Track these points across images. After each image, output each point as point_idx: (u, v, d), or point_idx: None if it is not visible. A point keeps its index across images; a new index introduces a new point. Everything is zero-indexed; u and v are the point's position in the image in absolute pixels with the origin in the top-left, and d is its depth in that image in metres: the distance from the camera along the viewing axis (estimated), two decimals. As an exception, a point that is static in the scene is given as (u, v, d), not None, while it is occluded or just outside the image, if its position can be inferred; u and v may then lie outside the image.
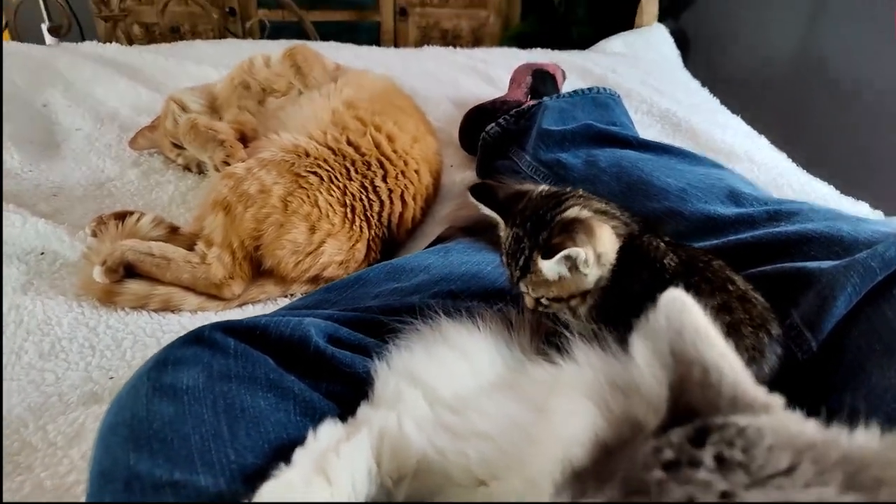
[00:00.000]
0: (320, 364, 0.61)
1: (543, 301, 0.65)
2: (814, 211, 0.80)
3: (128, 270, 0.88)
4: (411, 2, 2.57)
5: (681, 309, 0.37)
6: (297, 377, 0.59)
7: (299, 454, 0.49)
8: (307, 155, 0.96)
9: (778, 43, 1.89)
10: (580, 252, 0.58)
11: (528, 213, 0.64)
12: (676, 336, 0.36)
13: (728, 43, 2.11)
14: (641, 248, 0.63)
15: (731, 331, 0.58)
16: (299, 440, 0.52)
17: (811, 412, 0.51)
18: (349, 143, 0.99)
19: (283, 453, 0.52)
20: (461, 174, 1.21)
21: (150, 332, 0.83)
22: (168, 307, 0.87)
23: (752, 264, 0.72)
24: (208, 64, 1.51)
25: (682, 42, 2.09)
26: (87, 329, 0.82)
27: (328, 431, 0.52)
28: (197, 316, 0.87)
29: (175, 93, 1.17)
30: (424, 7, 2.59)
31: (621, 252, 0.62)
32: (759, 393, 0.35)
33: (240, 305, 0.91)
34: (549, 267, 0.59)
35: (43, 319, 0.83)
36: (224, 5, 2.40)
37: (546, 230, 0.61)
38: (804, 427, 0.34)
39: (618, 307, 0.61)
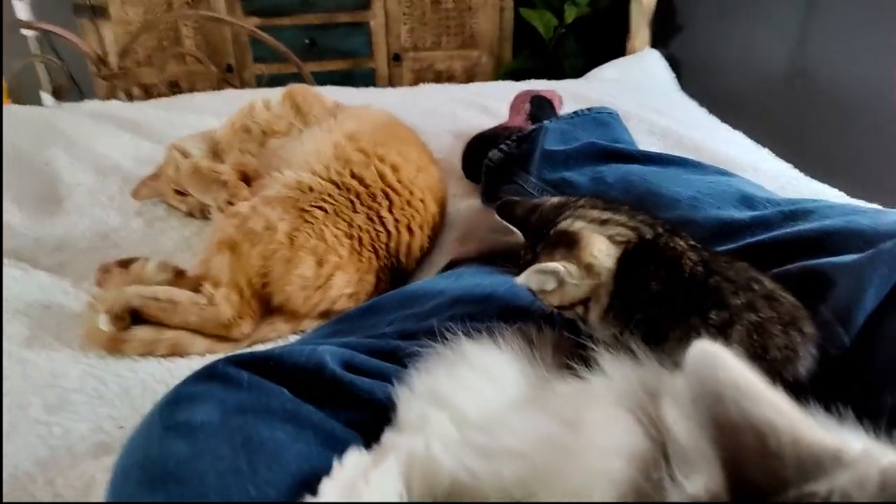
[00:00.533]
0: (338, 392, 0.58)
1: (552, 310, 0.65)
2: (829, 208, 0.79)
3: (134, 317, 0.86)
4: (404, 47, 2.61)
5: (712, 365, 0.32)
6: (315, 407, 0.56)
7: (326, 484, 0.47)
8: (311, 190, 0.95)
9: (768, 61, 1.90)
10: (554, 267, 0.59)
11: (534, 227, 0.65)
12: (716, 401, 0.31)
13: (719, 66, 2.13)
14: (656, 249, 0.62)
15: (759, 330, 0.56)
16: (322, 471, 0.50)
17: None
18: (353, 175, 0.98)
19: (306, 486, 0.49)
20: (466, 202, 1.20)
21: (159, 378, 0.81)
22: (177, 352, 0.85)
23: (772, 265, 0.71)
24: (209, 114, 1.52)
25: (674, 68, 2.11)
26: (95, 379, 0.80)
27: (354, 460, 0.50)
28: (206, 359, 0.84)
29: (177, 140, 1.18)
30: (417, 51, 2.63)
31: (628, 257, 0.62)
32: (824, 441, 0.30)
33: (250, 345, 0.88)
34: (524, 282, 0.61)
35: (49, 372, 0.80)
36: (221, 63, 2.45)
37: (541, 243, 0.63)
38: (886, 462, 0.29)
39: (637, 308, 0.60)
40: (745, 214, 0.82)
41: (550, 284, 0.62)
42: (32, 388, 0.78)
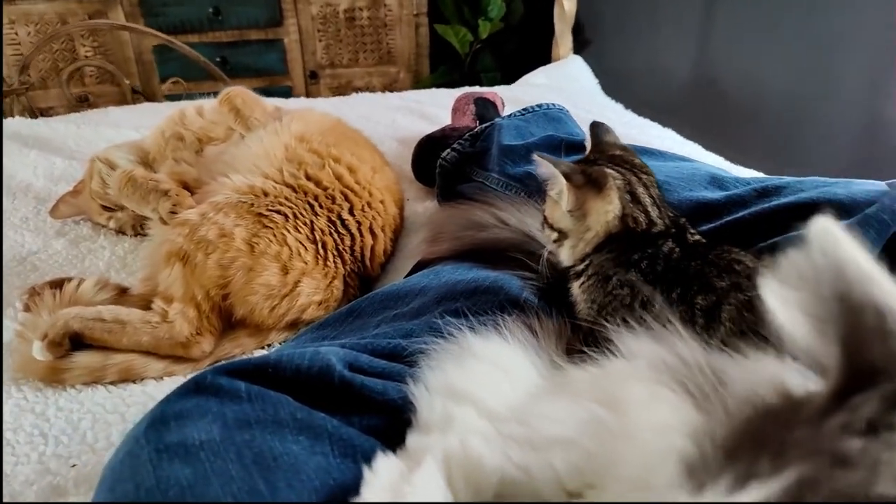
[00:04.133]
0: (349, 396, 0.52)
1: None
2: (799, 182, 0.80)
3: (74, 342, 0.76)
4: (321, 64, 2.56)
5: (835, 242, 0.31)
6: (327, 414, 0.50)
7: (365, 492, 0.41)
8: (266, 194, 0.88)
9: (674, 68, 2.00)
10: (562, 179, 0.65)
11: (604, 152, 0.74)
12: (837, 277, 0.30)
13: (630, 73, 2.21)
14: (650, 239, 0.65)
15: (749, 306, 0.56)
16: (346, 485, 0.44)
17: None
18: (308, 177, 0.91)
19: (332, 502, 0.43)
20: (421, 205, 1.15)
21: (110, 408, 0.71)
22: (129, 377, 0.75)
23: (755, 240, 0.71)
24: (128, 128, 1.40)
25: (591, 77, 2.17)
26: (34, 415, 0.69)
27: (386, 465, 0.44)
28: (164, 382, 0.76)
29: (99, 152, 1.06)
30: (335, 68, 2.59)
31: (630, 241, 0.65)
32: None
33: (212, 364, 0.79)
34: (541, 160, 0.67)
35: (-24, 412, 0.69)
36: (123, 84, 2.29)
37: (593, 165, 0.70)
38: None
39: (618, 291, 0.64)
40: (717, 194, 0.82)
41: (556, 185, 0.67)
42: (-43, 432, 0.66)
